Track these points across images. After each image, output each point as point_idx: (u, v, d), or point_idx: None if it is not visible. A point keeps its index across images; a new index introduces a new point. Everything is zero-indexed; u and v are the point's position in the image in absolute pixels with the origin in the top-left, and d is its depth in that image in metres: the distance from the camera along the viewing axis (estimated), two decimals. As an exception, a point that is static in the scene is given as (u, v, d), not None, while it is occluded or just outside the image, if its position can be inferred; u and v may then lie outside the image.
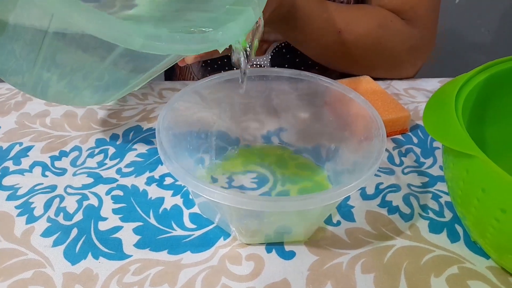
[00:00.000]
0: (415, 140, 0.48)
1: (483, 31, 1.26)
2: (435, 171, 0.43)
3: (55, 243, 0.36)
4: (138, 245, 0.36)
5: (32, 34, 0.32)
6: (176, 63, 0.40)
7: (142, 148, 0.46)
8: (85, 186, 0.41)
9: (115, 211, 0.39)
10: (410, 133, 0.49)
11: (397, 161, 0.45)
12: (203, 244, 0.36)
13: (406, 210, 0.39)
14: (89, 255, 0.35)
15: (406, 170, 0.43)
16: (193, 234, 0.37)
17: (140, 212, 0.39)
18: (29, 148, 0.46)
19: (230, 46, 0.34)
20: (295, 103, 0.44)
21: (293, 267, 0.34)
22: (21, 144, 0.47)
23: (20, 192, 0.41)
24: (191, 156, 0.41)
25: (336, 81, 0.41)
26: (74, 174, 0.43)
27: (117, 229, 0.37)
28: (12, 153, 0.45)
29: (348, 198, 0.40)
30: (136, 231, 0.37)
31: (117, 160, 0.45)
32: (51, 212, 0.39)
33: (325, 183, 0.41)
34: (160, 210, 0.39)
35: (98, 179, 0.42)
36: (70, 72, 0.37)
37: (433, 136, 0.32)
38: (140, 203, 0.40)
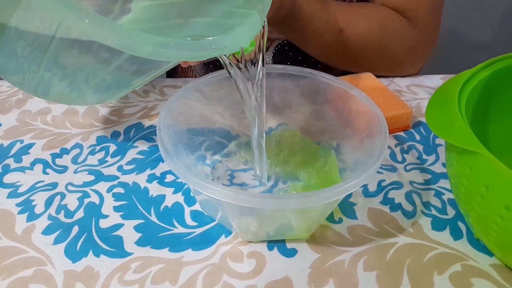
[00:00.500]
0: (418, 137, 0.47)
1: (487, 28, 1.25)
2: (438, 168, 0.43)
3: (56, 241, 0.36)
4: (139, 243, 0.36)
5: (35, 35, 0.32)
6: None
7: (143, 145, 0.46)
8: (86, 184, 0.41)
9: (116, 209, 0.39)
10: (412, 130, 0.48)
11: (399, 158, 0.44)
12: (204, 241, 0.36)
13: (408, 207, 0.39)
14: (90, 252, 0.35)
15: (408, 167, 0.43)
16: (194, 232, 0.37)
17: (141, 209, 0.39)
18: (30, 146, 0.46)
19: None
20: (297, 100, 0.43)
21: (295, 264, 0.34)
22: (22, 141, 0.47)
23: (21, 190, 0.41)
24: (192, 154, 0.41)
25: (338, 78, 0.41)
26: (75, 172, 0.43)
27: (118, 226, 0.37)
28: (13, 151, 0.45)
29: (350, 195, 0.40)
30: (137, 228, 0.37)
31: (118, 157, 0.44)
32: (52, 210, 0.39)
33: (333, 168, 0.41)
34: (161, 208, 0.39)
35: (99, 177, 0.42)
36: (73, 72, 0.37)
37: (436, 133, 0.32)
38: (141, 200, 0.40)
